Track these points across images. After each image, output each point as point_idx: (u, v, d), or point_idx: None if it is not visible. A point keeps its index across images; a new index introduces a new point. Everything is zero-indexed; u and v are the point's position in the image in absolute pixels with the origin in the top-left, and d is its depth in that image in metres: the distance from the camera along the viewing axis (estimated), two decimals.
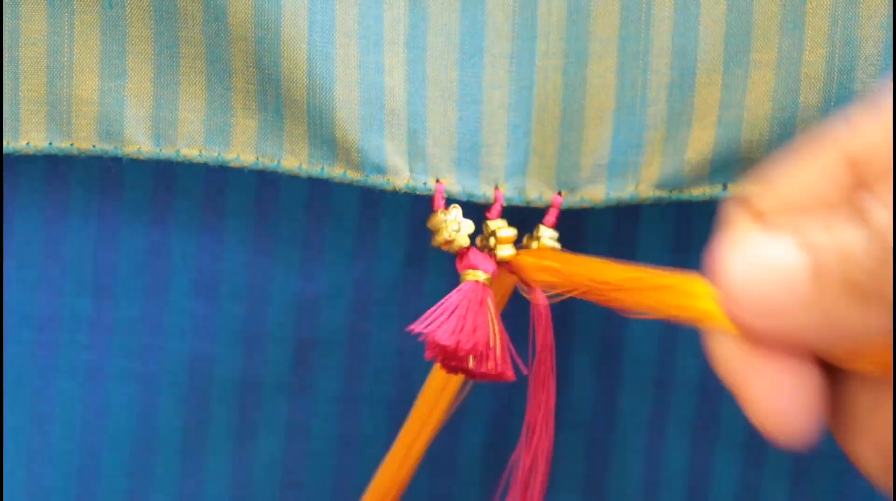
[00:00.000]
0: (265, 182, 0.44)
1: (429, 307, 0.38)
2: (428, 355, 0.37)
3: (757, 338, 0.32)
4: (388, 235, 0.43)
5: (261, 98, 0.39)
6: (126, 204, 0.44)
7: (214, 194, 0.44)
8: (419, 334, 0.37)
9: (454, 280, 0.39)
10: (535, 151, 0.39)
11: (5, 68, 0.40)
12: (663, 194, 0.39)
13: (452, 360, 0.37)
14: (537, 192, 0.39)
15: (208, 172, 0.44)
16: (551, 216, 0.39)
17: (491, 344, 0.37)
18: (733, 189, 0.38)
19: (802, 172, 0.34)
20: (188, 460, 0.45)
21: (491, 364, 0.37)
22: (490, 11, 0.39)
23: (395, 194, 0.42)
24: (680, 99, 0.38)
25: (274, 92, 0.38)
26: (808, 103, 0.37)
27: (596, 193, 0.39)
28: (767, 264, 0.32)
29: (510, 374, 0.38)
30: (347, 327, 0.44)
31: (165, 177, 0.44)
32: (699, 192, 0.38)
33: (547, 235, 0.39)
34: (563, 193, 0.39)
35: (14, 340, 0.44)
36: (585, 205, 0.39)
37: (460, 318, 0.38)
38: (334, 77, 0.38)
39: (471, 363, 0.37)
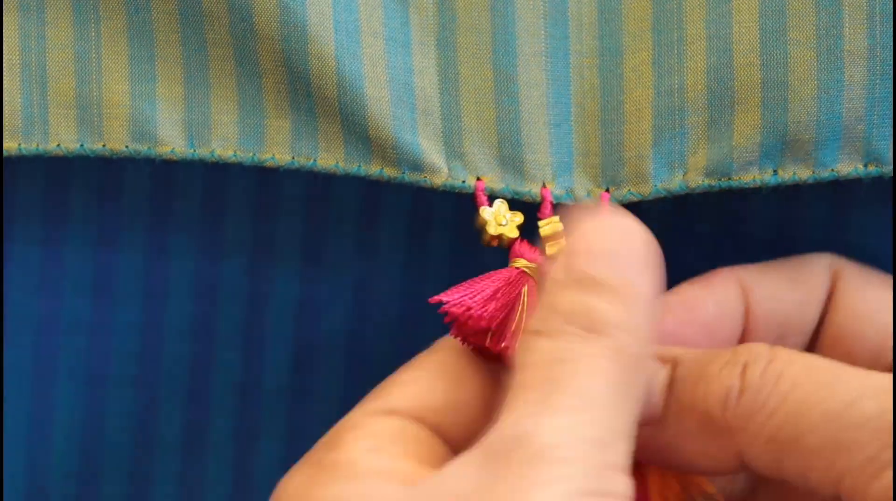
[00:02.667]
0: (265, 185, 0.44)
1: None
2: (448, 318, 0.37)
3: None
4: (388, 238, 0.43)
5: (293, 97, 0.39)
6: (126, 207, 0.44)
7: (214, 197, 0.44)
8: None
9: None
10: (579, 149, 0.39)
11: (32, 73, 0.40)
12: (712, 181, 0.38)
13: (469, 329, 0.37)
14: (584, 189, 0.39)
15: (208, 175, 0.44)
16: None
17: (512, 328, 0.37)
18: (784, 174, 0.37)
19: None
20: (188, 463, 0.45)
21: (505, 345, 0.37)
22: (520, 12, 0.39)
23: (396, 196, 0.43)
24: (719, 81, 0.37)
25: (305, 91, 0.38)
26: (853, 80, 0.37)
27: (643, 185, 0.39)
28: None
29: None
30: (347, 330, 0.44)
31: (165, 180, 0.44)
32: (749, 178, 0.38)
33: None
34: (610, 189, 0.39)
35: (14, 343, 0.44)
36: (634, 199, 0.39)
37: (493, 292, 0.38)
38: (363, 75, 0.38)
39: (488, 339, 0.37)
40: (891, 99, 0.37)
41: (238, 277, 0.44)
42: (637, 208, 0.39)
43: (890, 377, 0.34)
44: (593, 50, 0.39)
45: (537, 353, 0.33)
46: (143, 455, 0.45)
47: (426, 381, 0.37)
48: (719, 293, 0.38)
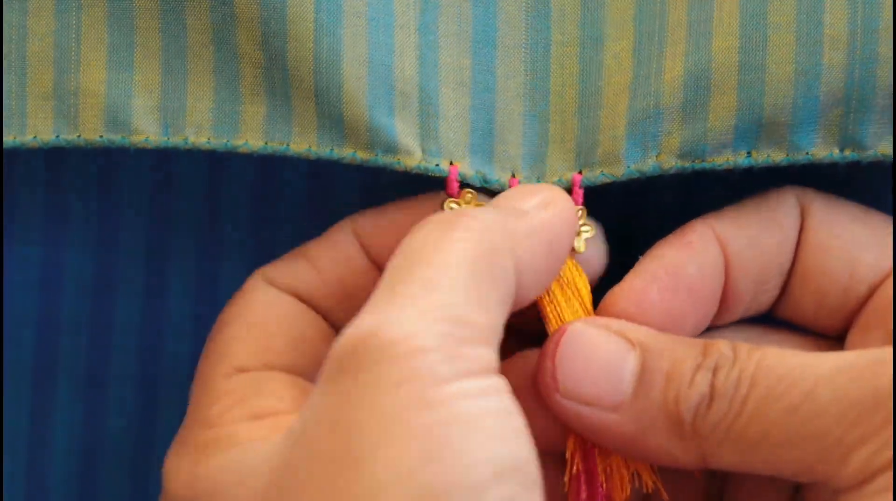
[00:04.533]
0: (265, 184, 0.44)
1: None
2: None
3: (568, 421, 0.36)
4: None
5: (268, 82, 0.38)
6: (126, 205, 0.44)
7: (214, 195, 0.44)
8: None
9: None
10: (554, 139, 0.39)
11: (12, 65, 0.40)
12: (685, 163, 0.37)
13: None
14: (557, 175, 0.39)
15: (208, 173, 0.44)
16: (577, 197, 0.39)
17: None
18: (757, 157, 0.37)
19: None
20: None
21: None
22: (501, 4, 0.39)
23: (397, 196, 0.42)
24: (697, 64, 0.37)
25: (281, 74, 0.38)
26: (833, 64, 0.36)
27: (616, 166, 0.38)
28: (598, 361, 0.36)
29: None
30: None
31: (165, 180, 0.44)
32: (722, 160, 0.37)
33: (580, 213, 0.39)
34: (583, 171, 0.39)
35: (14, 342, 0.44)
36: (607, 180, 0.38)
37: None
38: (341, 54, 0.38)
39: None
40: (872, 83, 0.36)
41: (238, 275, 0.44)
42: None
43: (840, 355, 0.34)
44: (574, 39, 0.39)
45: (402, 247, 0.33)
46: (143, 455, 0.45)
47: (262, 327, 0.37)
48: (699, 253, 0.37)
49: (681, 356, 0.35)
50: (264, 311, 0.38)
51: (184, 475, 0.34)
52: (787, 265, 0.38)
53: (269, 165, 0.44)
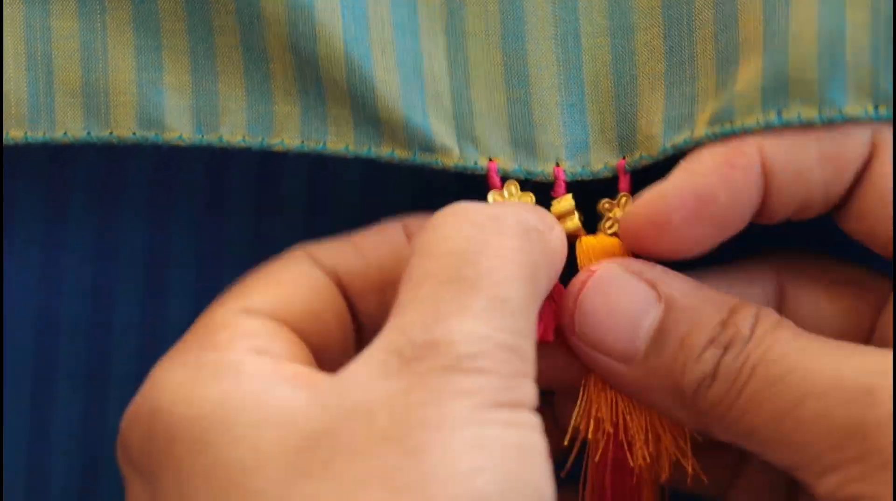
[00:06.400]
0: (265, 183, 0.44)
1: None
2: None
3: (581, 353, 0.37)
4: None
5: (301, 82, 0.39)
6: (126, 205, 0.44)
7: (214, 195, 0.44)
8: None
9: None
10: (595, 127, 0.40)
11: (38, 62, 0.40)
12: (715, 130, 0.37)
13: None
14: (601, 162, 0.40)
15: (208, 175, 0.44)
16: (624, 182, 0.39)
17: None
18: (788, 115, 0.36)
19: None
20: None
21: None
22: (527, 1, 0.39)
23: (397, 195, 0.43)
24: (727, 42, 0.38)
25: (313, 75, 0.38)
26: (856, 23, 0.36)
27: (653, 147, 0.39)
28: (620, 311, 0.36)
29: (549, 337, 0.38)
30: None
31: (165, 180, 0.44)
32: (752, 121, 0.36)
33: (624, 201, 0.39)
34: (626, 156, 0.39)
35: (14, 342, 0.44)
36: (646, 162, 0.39)
37: None
38: (371, 59, 0.38)
39: None
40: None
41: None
42: None
43: (843, 363, 0.34)
44: (604, 29, 0.39)
45: (442, 241, 0.33)
46: None
47: (286, 286, 0.37)
48: (738, 181, 0.36)
49: (701, 323, 0.36)
50: (293, 278, 0.37)
51: (180, 390, 0.33)
52: (835, 200, 0.37)
53: (270, 167, 0.44)
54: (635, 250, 0.38)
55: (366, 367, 0.32)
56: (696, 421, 0.36)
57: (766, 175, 0.36)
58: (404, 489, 0.30)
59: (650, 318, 0.36)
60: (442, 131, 0.39)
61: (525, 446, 0.31)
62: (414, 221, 0.39)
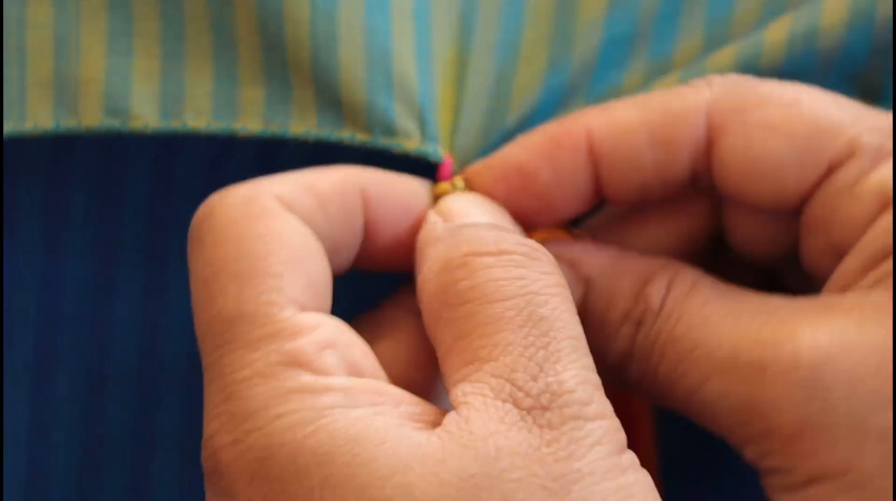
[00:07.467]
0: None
1: None
2: None
3: None
4: None
5: (267, 66, 0.39)
6: (126, 205, 0.44)
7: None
8: None
9: None
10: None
11: (11, 55, 0.40)
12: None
13: None
14: None
15: (208, 172, 0.44)
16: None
17: None
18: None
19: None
20: (188, 460, 0.45)
21: None
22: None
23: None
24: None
25: (279, 58, 0.38)
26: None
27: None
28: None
29: None
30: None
31: (165, 178, 0.44)
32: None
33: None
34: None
35: (14, 341, 0.44)
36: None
37: None
38: (337, 37, 0.38)
39: None
40: None
41: None
42: None
43: (737, 344, 0.34)
44: (543, 36, 0.40)
45: (499, 282, 0.33)
46: (143, 453, 0.45)
47: (302, 266, 0.35)
48: (560, 161, 0.37)
49: (616, 297, 0.36)
50: (302, 245, 0.35)
51: (300, 420, 0.31)
52: (676, 179, 0.37)
53: (269, 167, 0.44)
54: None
55: (483, 413, 0.31)
56: (634, 392, 0.37)
57: (595, 157, 0.37)
58: None
59: (574, 299, 0.35)
60: (404, 114, 0.39)
61: (652, 485, 0.31)
62: (373, 186, 0.37)
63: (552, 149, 0.37)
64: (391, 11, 0.39)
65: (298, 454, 0.31)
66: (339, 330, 0.34)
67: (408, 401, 0.32)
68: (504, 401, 0.31)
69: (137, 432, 0.45)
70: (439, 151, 0.39)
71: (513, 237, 0.34)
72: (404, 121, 0.38)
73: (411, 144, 0.39)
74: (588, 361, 0.32)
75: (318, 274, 0.35)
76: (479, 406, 0.31)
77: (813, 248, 0.37)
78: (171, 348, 0.44)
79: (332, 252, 0.36)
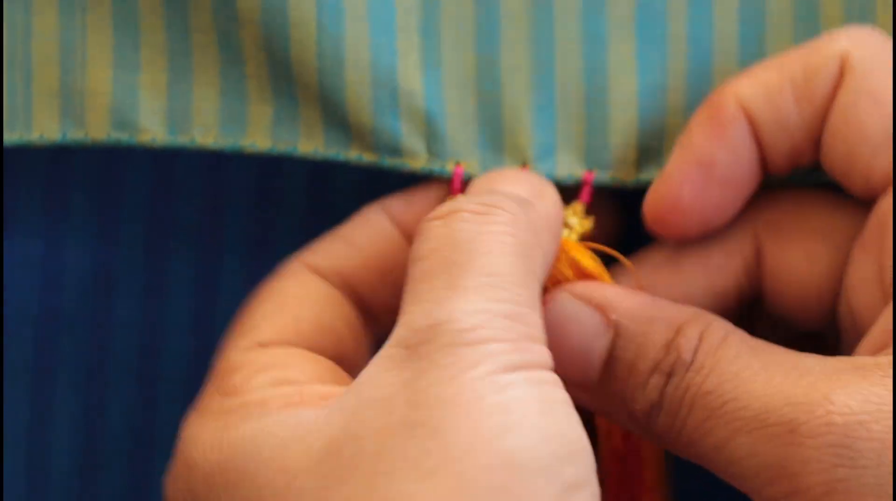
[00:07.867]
0: (265, 183, 0.44)
1: None
2: None
3: None
4: None
5: (275, 84, 0.39)
6: (126, 204, 0.44)
7: (214, 194, 0.44)
8: None
9: None
10: (562, 132, 0.39)
11: (17, 64, 0.39)
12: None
13: None
14: (567, 170, 0.39)
15: (209, 173, 0.44)
16: (585, 194, 0.39)
17: None
18: None
19: None
20: None
21: None
22: (504, 1, 0.39)
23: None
24: (696, 88, 0.38)
25: (287, 76, 0.38)
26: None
27: (627, 172, 0.39)
28: (571, 341, 0.36)
29: None
30: None
31: (166, 178, 0.44)
32: None
33: (579, 209, 0.39)
34: (594, 171, 0.39)
35: (14, 339, 0.44)
36: (616, 184, 0.39)
37: None
38: (343, 59, 0.38)
39: None
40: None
41: (238, 272, 0.44)
42: None
43: (768, 403, 0.33)
44: (576, 35, 0.39)
45: (433, 240, 0.33)
46: (143, 452, 0.45)
47: (291, 308, 0.37)
48: (728, 138, 0.36)
49: (646, 347, 0.35)
50: (297, 294, 0.37)
51: (210, 439, 0.33)
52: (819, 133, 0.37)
53: (270, 166, 0.44)
54: (669, 239, 0.38)
55: (374, 365, 0.32)
56: (658, 444, 0.36)
57: (752, 123, 0.36)
58: (434, 471, 0.29)
59: (600, 345, 0.36)
60: (411, 132, 0.38)
61: (548, 399, 0.31)
62: (393, 201, 0.39)
63: (716, 130, 0.36)
64: (396, 30, 0.39)
65: (207, 467, 0.33)
66: (286, 355, 0.35)
67: (329, 390, 0.33)
68: (397, 347, 0.31)
69: (137, 432, 0.45)
70: (448, 167, 0.39)
71: (480, 198, 0.34)
72: (410, 140, 0.38)
73: (417, 163, 0.39)
74: (505, 294, 0.32)
75: (309, 315, 0.37)
76: (374, 360, 0.32)
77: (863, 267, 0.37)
78: (171, 347, 0.44)
79: (379, 274, 0.38)
